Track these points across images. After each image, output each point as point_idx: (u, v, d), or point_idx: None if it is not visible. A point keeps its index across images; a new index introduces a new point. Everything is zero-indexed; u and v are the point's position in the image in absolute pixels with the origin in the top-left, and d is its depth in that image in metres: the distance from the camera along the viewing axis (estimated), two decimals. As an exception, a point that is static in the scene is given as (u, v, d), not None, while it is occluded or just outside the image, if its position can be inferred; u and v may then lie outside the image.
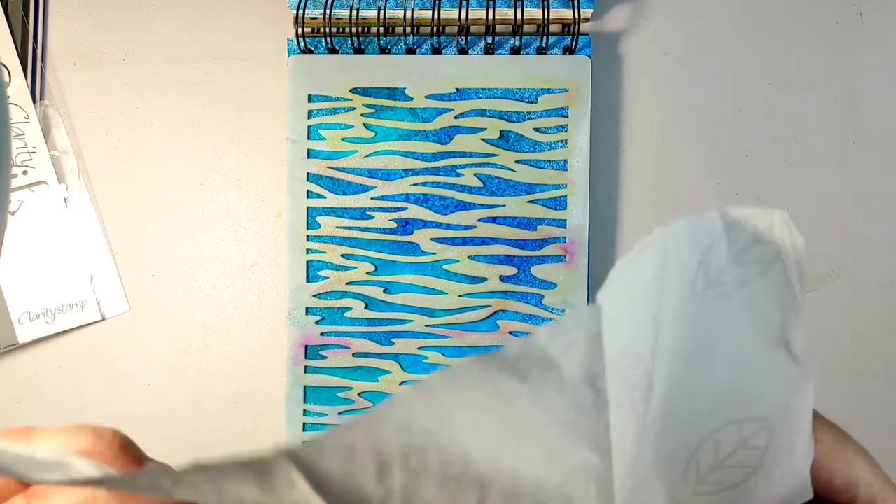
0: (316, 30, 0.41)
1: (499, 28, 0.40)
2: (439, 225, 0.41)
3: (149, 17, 0.43)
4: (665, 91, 0.42)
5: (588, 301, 0.40)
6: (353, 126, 0.41)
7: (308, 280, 0.41)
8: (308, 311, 0.41)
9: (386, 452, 0.21)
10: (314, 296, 0.41)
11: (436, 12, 0.39)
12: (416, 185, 0.41)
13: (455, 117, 0.41)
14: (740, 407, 0.26)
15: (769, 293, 0.25)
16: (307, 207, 0.41)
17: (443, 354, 0.41)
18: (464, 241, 0.41)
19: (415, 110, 0.41)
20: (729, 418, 0.26)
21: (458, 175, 0.41)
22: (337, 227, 0.41)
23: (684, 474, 0.26)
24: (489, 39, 0.40)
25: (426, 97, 0.41)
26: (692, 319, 0.25)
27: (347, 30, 0.40)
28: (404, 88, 0.41)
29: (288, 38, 0.41)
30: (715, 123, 0.42)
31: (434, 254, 0.41)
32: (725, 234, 0.25)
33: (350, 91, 0.41)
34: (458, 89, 0.41)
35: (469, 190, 0.41)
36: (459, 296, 0.41)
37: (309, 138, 0.41)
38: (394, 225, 0.41)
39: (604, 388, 0.25)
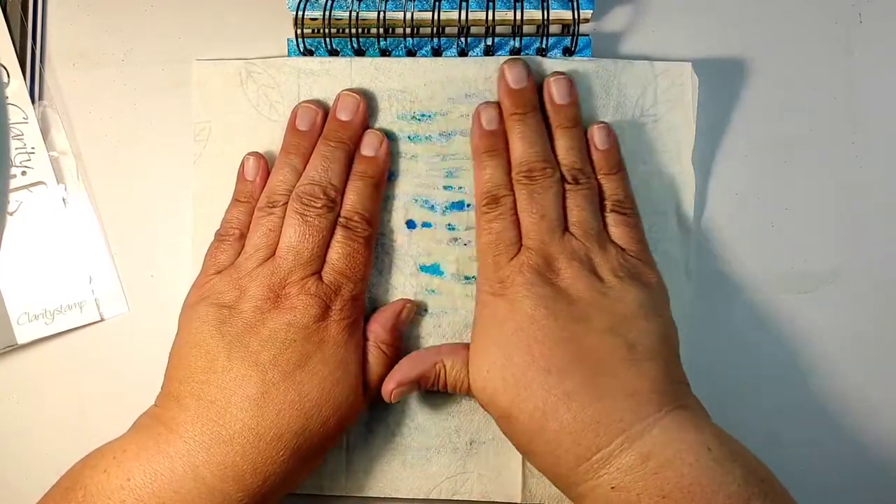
0: (316, 31, 0.41)
1: (498, 29, 0.40)
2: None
3: (149, 17, 0.43)
4: (665, 91, 0.42)
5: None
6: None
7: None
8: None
9: None
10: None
11: (435, 14, 0.39)
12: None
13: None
14: (649, 203, 0.40)
15: (673, 123, 0.40)
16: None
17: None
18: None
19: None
20: (646, 211, 0.39)
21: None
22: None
23: None
24: (489, 41, 0.40)
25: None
26: (630, 135, 0.40)
27: (347, 31, 0.40)
28: (404, 89, 0.41)
29: (288, 39, 0.41)
30: (714, 123, 0.42)
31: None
32: (655, 80, 0.40)
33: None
34: (457, 90, 0.41)
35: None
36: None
37: (309, 139, 0.41)
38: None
39: None
